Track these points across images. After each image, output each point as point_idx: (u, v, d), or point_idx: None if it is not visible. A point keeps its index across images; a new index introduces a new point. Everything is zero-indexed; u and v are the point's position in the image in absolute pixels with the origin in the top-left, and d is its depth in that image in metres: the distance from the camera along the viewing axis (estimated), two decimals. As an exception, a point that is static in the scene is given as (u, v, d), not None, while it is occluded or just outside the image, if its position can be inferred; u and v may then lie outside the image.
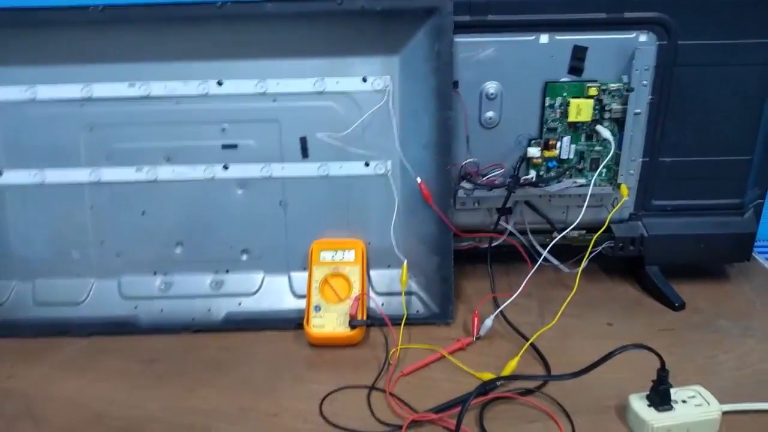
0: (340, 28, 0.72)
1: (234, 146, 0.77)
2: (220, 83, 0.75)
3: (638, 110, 0.74)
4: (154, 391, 0.66)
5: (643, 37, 0.73)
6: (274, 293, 0.80)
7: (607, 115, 0.74)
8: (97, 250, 0.79)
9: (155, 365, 0.70)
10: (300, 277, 0.80)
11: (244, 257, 0.80)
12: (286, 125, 0.76)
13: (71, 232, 0.79)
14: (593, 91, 0.73)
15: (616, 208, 0.79)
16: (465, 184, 0.78)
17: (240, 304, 0.79)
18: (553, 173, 0.77)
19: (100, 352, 0.73)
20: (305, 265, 0.78)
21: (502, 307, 0.74)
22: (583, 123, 0.75)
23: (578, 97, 0.74)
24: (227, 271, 0.80)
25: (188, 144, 0.76)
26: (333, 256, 0.77)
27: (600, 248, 0.81)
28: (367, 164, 0.77)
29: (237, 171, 0.77)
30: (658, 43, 0.73)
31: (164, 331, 0.76)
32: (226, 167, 0.77)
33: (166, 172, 0.77)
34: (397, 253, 0.77)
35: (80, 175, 0.77)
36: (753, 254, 0.86)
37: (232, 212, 0.79)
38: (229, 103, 0.75)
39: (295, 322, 0.75)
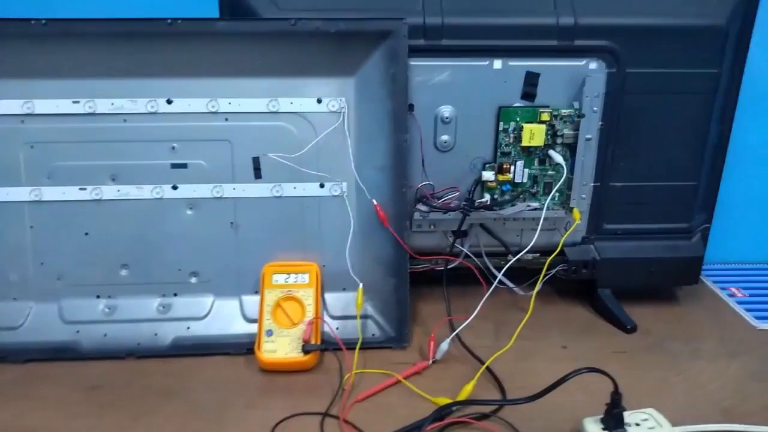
0: (295, 48, 0.72)
1: (184, 165, 0.75)
2: (169, 101, 0.73)
3: (589, 136, 0.75)
4: (95, 420, 0.62)
5: (593, 65, 0.75)
6: (225, 317, 0.77)
7: (559, 140, 0.75)
8: (36, 271, 0.76)
9: (97, 393, 0.66)
10: (251, 301, 0.77)
11: (193, 280, 0.78)
12: (239, 145, 0.74)
13: (9, 252, 0.75)
14: (545, 117, 0.74)
15: (568, 231, 0.80)
16: (421, 207, 0.77)
17: (188, 328, 0.76)
18: (507, 197, 0.78)
19: (38, 379, 0.69)
20: (257, 289, 0.76)
21: (457, 330, 0.73)
22: (536, 147, 0.76)
23: (531, 122, 0.75)
24: (175, 295, 0.78)
25: (136, 163, 0.74)
26: (286, 279, 0.75)
27: (554, 271, 0.81)
28: (322, 185, 0.76)
29: (186, 191, 0.75)
30: (607, 70, 0.75)
31: (108, 357, 0.72)
32: (175, 187, 0.75)
33: (111, 191, 0.74)
34: (352, 276, 0.75)
35: (20, 193, 0.74)
36: (701, 277, 0.88)
37: (181, 233, 0.76)
38: (179, 121, 0.73)
39: (246, 347, 0.73)
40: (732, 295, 0.91)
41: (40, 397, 0.66)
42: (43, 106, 0.72)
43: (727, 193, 0.86)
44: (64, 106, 0.72)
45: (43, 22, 0.67)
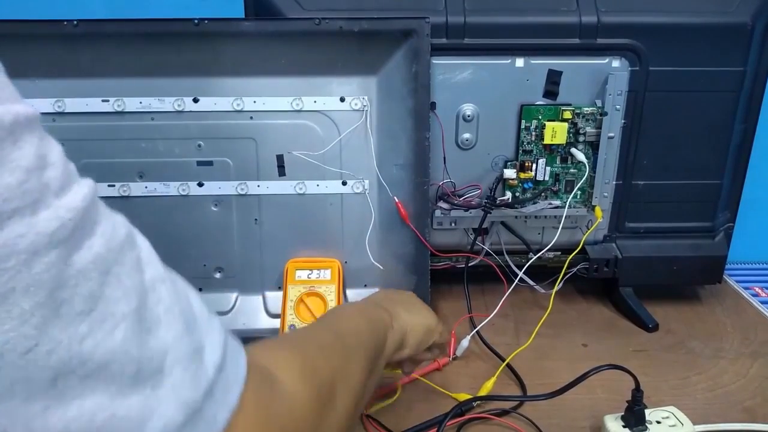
0: (318, 47, 0.72)
1: (210, 163, 0.76)
2: (196, 100, 0.74)
3: (612, 134, 0.75)
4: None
5: (616, 63, 0.74)
6: (248, 312, 0.79)
7: (581, 138, 0.75)
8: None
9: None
10: (275, 297, 0.79)
11: (218, 275, 0.79)
12: (263, 143, 0.76)
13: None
14: (568, 115, 0.75)
15: (590, 229, 0.80)
16: (442, 204, 0.78)
17: (213, 323, 0.77)
18: (528, 195, 0.78)
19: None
20: (280, 284, 0.77)
21: (478, 327, 0.74)
22: (558, 145, 0.76)
23: (553, 120, 0.75)
24: (200, 290, 0.78)
25: (162, 160, 0.75)
26: (309, 275, 0.76)
27: (575, 269, 0.81)
28: (344, 183, 0.77)
29: (212, 188, 0.76)
30: (630, 68, 0.74)
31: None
32: (200, 184, 0.76)
33: (138, 188, 0.76)
34: (374, 263, 0.76)
35: (51, 190, 0.76)
36: (724, 277, 0.87)
37: (207, 230, 0.78)
38: (205, 120, 0.75)
39: (269, 342, 0.74)
40: (755, 295, 0.90)
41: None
42: (73, 104, 0.74)
43: (750, 192, 0.85)
44: (94, 104, 0.74)
45: (75, 23, 0.68)
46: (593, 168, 0.76)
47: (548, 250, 0.77)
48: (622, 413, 0.58)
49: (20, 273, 0.20)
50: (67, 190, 0.23)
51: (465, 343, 0.73)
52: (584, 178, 0.76)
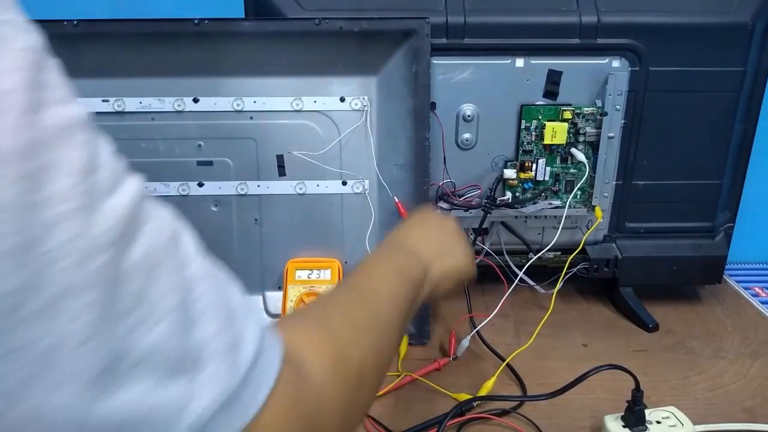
0: (318, 47, 0.72)
1: (210, 163, 0.76)
2: (196, 100, 0.74)
3: (612, 134, 0.75)
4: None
5: (616, 63, 0.75)
6: (248, 313, 0.78)
7: (581, 139, 0.75)
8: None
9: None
10: (275, 297, 0.79)
11: (218, 276, 0.79)
12: (263, 143, 0.76)
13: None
14: (568, 115, 0.75)
15: (590, 229, 0.80)
16: (442, 204, 0.78)
17: (213, 323, 0.77)
18: (528, 195, 0.78)
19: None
20: (280, 284, 0.77)
21: (478, 327, 0.74)
22: (558, 146, 0.76)
23: (553, 120, 0.75)
24: (200, 290, 0.79)
25: (163, 160, 0.75)
26: (309, 275, 0.76)
27: (575, 269, 0.81)
28: (344, 183, 0.77)
29: (212, 188, 0.76)
30: (630, 68, 0.74)
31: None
32: (201, 184, 0.76)
33: (139, 188, 0.76)
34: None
35: (51, 190, 0.76)
36: (724, 277, 0.87)
37: (207, 230, 0.76)
38: (205, 120, 0.75)
39: (269, 343, 0.74)
40: (755, 295, 0.91)
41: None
42: (73, 104, 0.74)
43: (751, 192, 0.85)
44: (94, 104, 0.74)
45: (75, 23, 0.68)
46: (593, 168, 0.76)
47: (548, 250, 0.77)
48: (622, 413, 0.58)
49: (74, 273, 0.21)
50: (118, 189, 0.24)
51: (465, 343, 0.73)
52: (584, 178, 0.76)
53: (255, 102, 0.74)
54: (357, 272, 0.45)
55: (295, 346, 0.31)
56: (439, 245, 0.55)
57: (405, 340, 0.75)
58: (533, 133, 0.76)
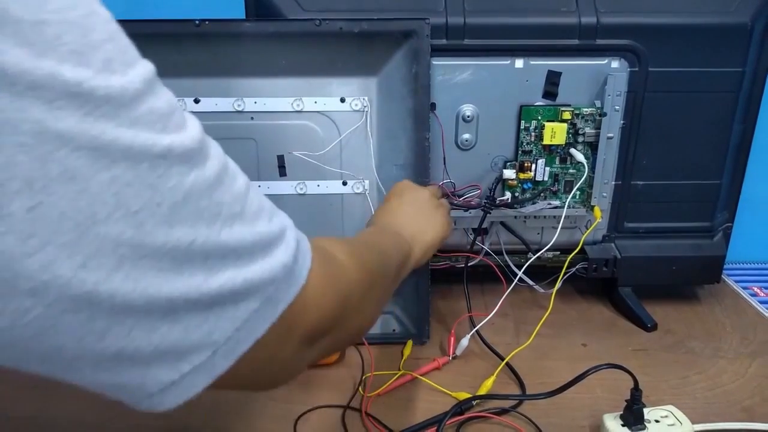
0: (319, 48, 0.73)
1: (210, 164, 0.76)
2: (197, 101, 0.74)
3: (611, 134, 0.75)
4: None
5: (615, 64, 0.75)
6: (249, 312, 0.79)
7: (580, 139, 0.76)
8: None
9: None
10: (275, 297, 0.79)
11: (219, 276, 0.79)
12: (264, 143, 0.76)
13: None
14: (567, 115, 0.75)
15: (589, 229, 0.80)
16: (441, 205, 0.78)
17: (213, 323, 0.78)
18: (528, 195, 0.78)
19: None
20: (281, 284, 0.78)
21: (478, 326, 0.74)
22: (557, 146, 0.76)
23: (553, 121, 0.75)
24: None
25: (164, 161, 0.76)
26: (309, 275, 0.76)
27: (574, 269, 0.82)
28: (344, 183, 0.77)
29: (213, 188, 0.77)
30: (629, 69, 0.75)
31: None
32: (202, 185, 0.77)
33: (140, 188, 0.76)
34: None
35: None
36: (723, 276, 0.87)
37: (208, 230, 0.78)
38: (205, 120, 0.73)
39: (269, 342, 0.74)
40: (754, 295, 0.91)
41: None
42: (75, 105, 0.74)
43: (749, 192, 0.85)
44: (95, 105, 0.74)
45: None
46: (592, 168, 0.77)
47: (547, 250, 0.77)
48: (621, 412, 0.59)
49: (178, 187, 0.27)
50: (188, 123, 0.30)
51: (465, 342, 0.73)
52: (583, 179, 0.76)
53: (255, 102, 0.75)
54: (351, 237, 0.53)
55: (318, 241, 0.40)
56: (418, 223, 0.63)
57: (410, 344, 0.75)
58: (532, 134, 0.76)
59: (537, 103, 0.76)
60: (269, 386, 0.38)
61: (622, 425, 0.58)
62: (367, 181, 0.77)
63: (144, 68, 0.28)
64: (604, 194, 0.79)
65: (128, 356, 0.27)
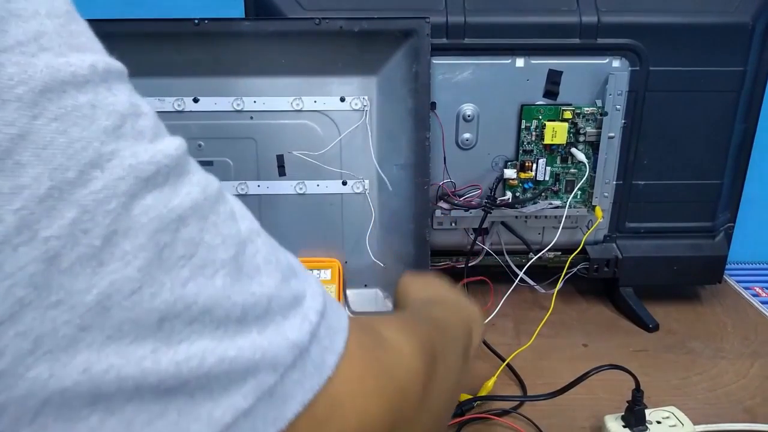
0: (319, 47, 0.72)
1: (210, 163, 0.76)
2: (196, 100, 0.74)
3: (612, 134, 0.75)
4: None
5: (616, 63, 0.75)
6: (248, 313, 0.78)
7: (581, 138, 0.75)
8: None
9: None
10: (275, 297, 0.78)
11: (218, 276, 0.79)
12: (263, 143, 0.76)
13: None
14: (568, 115, 0.75)
15: (590, 229, 0.80)
16: (442, 204, 0.78)
17: (213, 323, 0.77)
18: (529, 194, 0.78)
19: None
20: (280, 285, 0.77)
21: (478, 327, 0.74)
22: (558, 145, 0.76)
23: (553, 120, 0.75)
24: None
25: (163, 160, 0.75)
26: (309, 276, 0.76)
27: (575, 269, 0.81)
28: (344, 183, 0.77)
29: (212, 188, 0.76)
30: (630, 68, 0.74)
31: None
32: (201, 184, 0.76)
33: (139, 188, 0.76)
34: (374, 259, 0.76)
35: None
36: (724, 277, 0.87)
37: (207, 230, 0.77)
38: (205, 120, 0.75)
39: (269, 343, 0.74)
40: (755, 295, 0.90)
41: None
42: (73, 104, 0.73)
43: (751, 192, 0.85)
44: (94, 104, 0.74)
45: (75, 22, 0.68)
46: (593, 168, 0.76)
47: (548, 250, 0.77)
48: (623, 413, 0.58)
49: (120, 215, 0.20)
50: (161, 138, 0.23)
51: (465, 343, 0.72)
52: (584, 178, 0.76)
53: (255, 102, 0.74)
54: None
55: (372, 323, 0.30)
56: (457, 297, 0.54)
57: None
58: (533, 133, 0.76)
59: (538, 103, 0.75)
60: None
61: (624, 426, 0.57)
62: (367, 181, 0.77)
63: None
64: (606, 194, 0.79)
65: None
